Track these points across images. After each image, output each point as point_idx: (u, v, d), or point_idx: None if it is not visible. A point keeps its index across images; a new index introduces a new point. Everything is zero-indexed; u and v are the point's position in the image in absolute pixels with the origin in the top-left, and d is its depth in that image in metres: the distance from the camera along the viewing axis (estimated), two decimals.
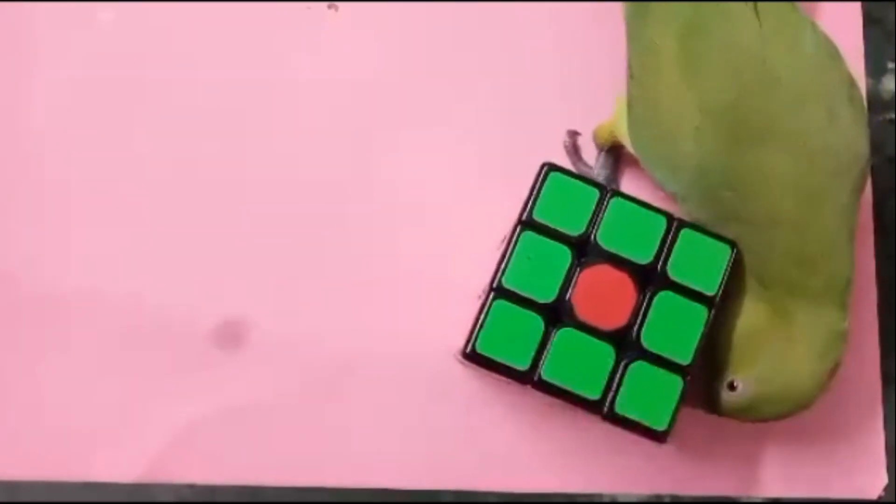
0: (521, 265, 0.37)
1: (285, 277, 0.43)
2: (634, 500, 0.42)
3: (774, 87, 0.37)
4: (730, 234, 0.38)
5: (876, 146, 0.45)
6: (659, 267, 0.37)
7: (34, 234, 0.43)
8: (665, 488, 0.42)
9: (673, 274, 0.37)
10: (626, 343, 0.37)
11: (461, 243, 0.43)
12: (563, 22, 0.45)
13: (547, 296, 0.37)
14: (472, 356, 0.36)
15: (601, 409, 0.36)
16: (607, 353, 0.37)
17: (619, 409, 0.36)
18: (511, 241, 0.37)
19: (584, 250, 0.37)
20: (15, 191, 0.43)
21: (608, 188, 0.38)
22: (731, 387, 0.38)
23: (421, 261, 0.43)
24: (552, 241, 0.37)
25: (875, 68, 0.46)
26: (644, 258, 0.37)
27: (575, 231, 0.37)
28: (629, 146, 0.41)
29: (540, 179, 0.38)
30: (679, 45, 0.38)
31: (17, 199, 0.43)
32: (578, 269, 0.37)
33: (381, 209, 0.44)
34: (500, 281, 0.37)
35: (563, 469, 0.42)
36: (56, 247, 0.43)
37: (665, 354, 0.37)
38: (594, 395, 0.36)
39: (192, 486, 0.42)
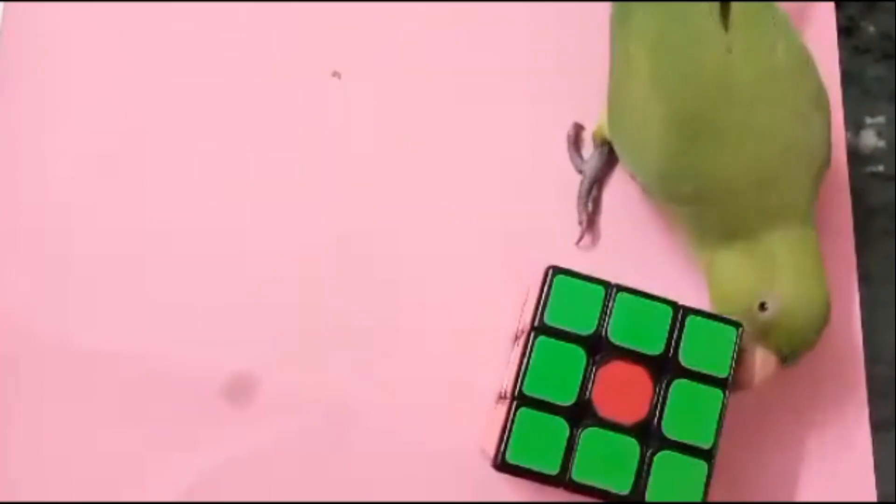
0: (539, 371, 0.38)
1: (293, 331, 0.44)
2: None
3: (738, 97, 0.39)
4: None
5: (857, 196, 0.46)
6: (671, 356, 0.38)
7: (40, 287, 0.44)
8: None
9: (685, 362, 0.38)
10: (649, 435, 0.38)
11: (469, 295, 0.45)
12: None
13: (568, 398, 0.38)
14: (503, 467, 0.37)
15: (634, 502, 0.37)
16: (632, 446, 0.38)
17: (651, 499, 0.37)
18: (527, 348, 0.38)
19: (597, 348, 0.38)
20: (24, 245, 0.44)
21: (612, 284, 0.39)
22: (762, 308, 0.39)
23: (426, 313, 0.45)
24: (566, 343, 0.38)
25: (854, 124, 0.48)
26: (656, 349, 0.38)
27: (587, 330, 0.38)
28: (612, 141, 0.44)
29: (547, 283, 0.39)
30: (649, 58, 0.40)
31: (25, 253, 0.44)
32: (595, 368, 0.38)
33: (388, 264, 0.45)
34: (520, 389, 0.38)
35: None
36: (61, 300, 0.44)
37: (688, 441, 0.38)
38: (625, 490, 0.37)
39: None
